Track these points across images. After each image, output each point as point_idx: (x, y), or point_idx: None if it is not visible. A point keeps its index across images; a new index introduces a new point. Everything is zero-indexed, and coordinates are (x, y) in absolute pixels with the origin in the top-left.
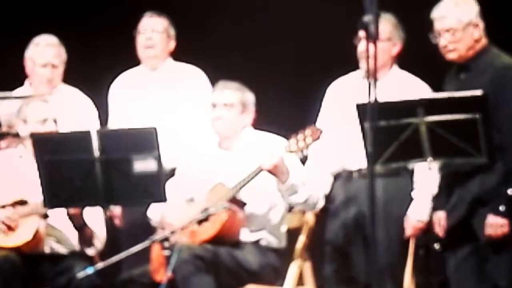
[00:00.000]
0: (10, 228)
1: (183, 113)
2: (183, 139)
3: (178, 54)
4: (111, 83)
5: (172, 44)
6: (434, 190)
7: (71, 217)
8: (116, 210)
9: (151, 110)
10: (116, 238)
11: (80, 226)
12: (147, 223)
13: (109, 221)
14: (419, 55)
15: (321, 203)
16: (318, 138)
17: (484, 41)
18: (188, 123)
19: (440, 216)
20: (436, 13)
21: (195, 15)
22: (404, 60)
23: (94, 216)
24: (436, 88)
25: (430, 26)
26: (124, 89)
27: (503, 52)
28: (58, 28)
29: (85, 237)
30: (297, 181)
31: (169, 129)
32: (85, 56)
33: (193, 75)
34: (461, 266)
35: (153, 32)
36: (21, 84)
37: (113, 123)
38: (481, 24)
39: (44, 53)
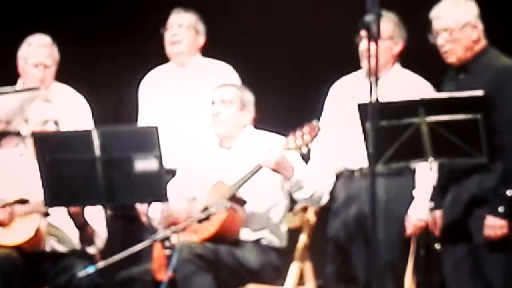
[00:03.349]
0: (8, 224)
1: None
2: (196, 138)
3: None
4: (140, 80)
5: (201, 40)
6: (432, 188)
7: (72, 216)
8: (143, 207)
9: (179, 107)
10: (125, 234)
11: (81, 225)
12: None
13: (111, 220)
14: (422, 53)
15: (325, 199)
16: (316, 135)
17: (483, 42)
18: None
19: (436, 215)
20: (435, 13)
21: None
22: (407, 59)
23: (95, 215)
24: (438, 87)
25: (430, 25)
26: (153, 86)
27: (503, 54)
28: (53, 27)
29: (86, 236)
30: (301, 177)
31: (198, 127)
32: (80, 54)
33: (222, 72)
34: (457, 266)
35: (179, 28)
36: (14, 83)
37: (143, 120)
38: (480, 26)
39: (36, 53)
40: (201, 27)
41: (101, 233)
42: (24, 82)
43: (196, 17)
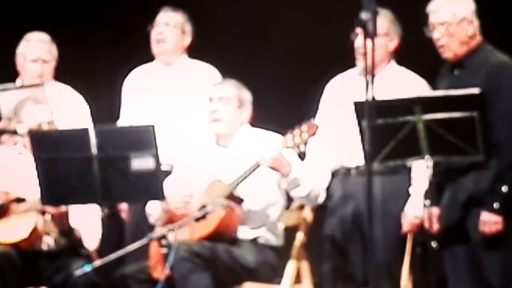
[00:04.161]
0: (5, 222)
1: (194, 110)
2: (193, 137)
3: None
4: (124, 77)
5: (187, 40)
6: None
7: (55, 220)
8: (123, 204)
9: (162, 106)
10: (121, 233)
11: (66, 230)
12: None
13: (108, 219)
14: (417, 50)
15: (322, 197)
16: (314, 133)
17: (478, 38)
18: (198, 120)
19: (432, 213)
20: (432, 7)
21: (194, 12)
22: (402, 56)
23: (87, 215)
24: (433, 84)
25: (427, 21)
26: (137, 84)
27: (497, 50)
28: (53, 26)
29: (74, 240)
30: (298, 174)
31: (179, 126)
32: (79, 53)
33: (206, 73)
34: (456, 265)
35: (166, 26)
36: (13, 82)
37: (124, 118)
38: (476, 22)
39: (35, 48)
40: (188, 27)
41: (95, 233)
42: (23, 79)
43: (183, 17)
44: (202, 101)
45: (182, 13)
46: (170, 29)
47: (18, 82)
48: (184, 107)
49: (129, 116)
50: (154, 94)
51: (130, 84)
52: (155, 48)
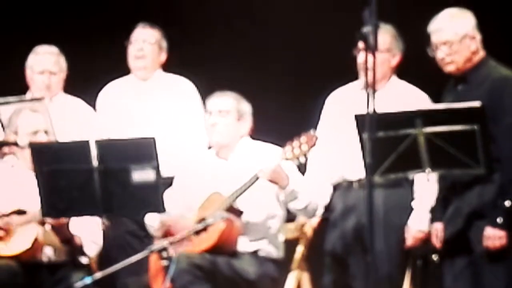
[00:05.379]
0: (6, 234)
1: (170, 124)
2: (170, 149)
3: (177, 66)
4: (99, 90)
5: (163, 56)
6: (433, 200)
7: (55, 229)
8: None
9: (139, 119)
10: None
11: (67, 238)
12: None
13: (108, 231)
14: (419, 65)
15: (320, 210)
16: (314, 144)
17: (481, 53)
18: (175, 133)
19: (437, 228)
20: (433, 27)
21: (197, 25)
22: (404, 71)
23: (87, 222)
24: (435, 98)
25: (428, 37)
26: (113, 97)
27: (500, 64)
28: (60, 39)
29: (74, 248)
30: (296, 187)
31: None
32: (87, 65)
33: (182, 86)
34: (458, 278)
35: (145, 43)
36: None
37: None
38: (478, 36)
39: (43, 60)
40: (164, 44)
41: (95, 239)
42: (32, 92)
43: (160, 33)
44: (179, 114)
45: (158, 29)
46: (149, 46)
47: (29, 95)
48: (161, 120)
49: (104, 129)
50: (131, 108)
51: (106, 97)
52: (132, 63)
